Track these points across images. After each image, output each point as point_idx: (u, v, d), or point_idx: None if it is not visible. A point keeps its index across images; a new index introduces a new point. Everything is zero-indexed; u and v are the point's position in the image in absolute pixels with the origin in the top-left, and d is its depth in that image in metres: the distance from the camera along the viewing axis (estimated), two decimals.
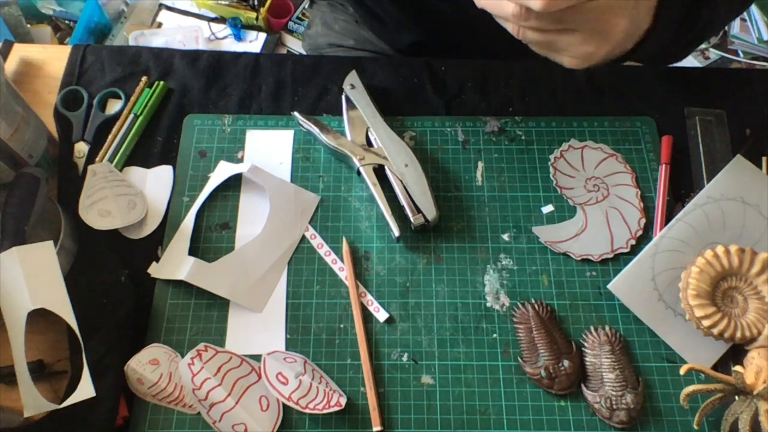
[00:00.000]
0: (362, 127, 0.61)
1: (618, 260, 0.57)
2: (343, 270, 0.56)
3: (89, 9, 1.58)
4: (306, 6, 1.72)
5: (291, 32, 1.71)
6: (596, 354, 0.52)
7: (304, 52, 0.96)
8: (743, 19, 1.68)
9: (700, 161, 0.61)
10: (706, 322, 0.50)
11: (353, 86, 0.62)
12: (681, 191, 0.60)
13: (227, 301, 0.55)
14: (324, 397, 0.50)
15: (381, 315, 0.54)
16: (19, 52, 0.68)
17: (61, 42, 1.61)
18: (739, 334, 0.50)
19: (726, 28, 1.65)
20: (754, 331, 0.50)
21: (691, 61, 1.63)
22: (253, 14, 1.63)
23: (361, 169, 0.58)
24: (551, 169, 0.61)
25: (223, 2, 1.63)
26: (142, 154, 0.62)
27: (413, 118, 0.64)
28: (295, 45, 1.70)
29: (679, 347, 0.53)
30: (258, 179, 0.59)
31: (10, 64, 0.67)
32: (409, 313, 0.55)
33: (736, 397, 0.49)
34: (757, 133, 0.62)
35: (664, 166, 0.60)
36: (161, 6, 1.70)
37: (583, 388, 0.51)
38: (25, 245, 0.48)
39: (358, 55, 0.80)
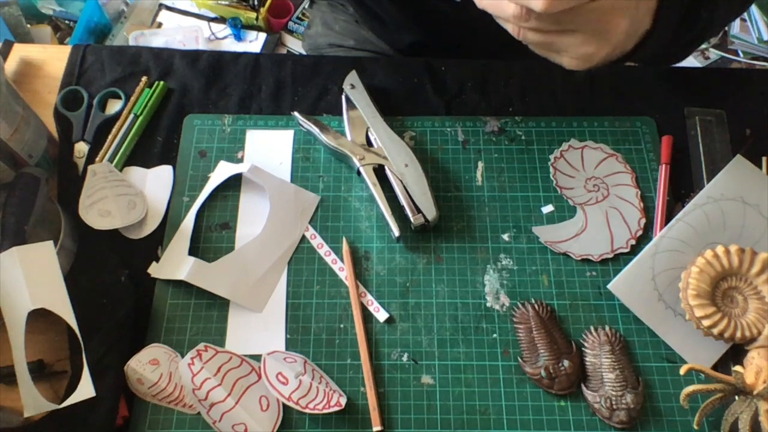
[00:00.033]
0: (362, 127, 0.61)
1: (618, 260, 0.57)
2: (343, 270, 0.56)
3: (89, 9, 1.58)
4: (306, 6, 1.72)
5: (291, 32, 1.71)
6: (596, 354, 0.52)
7: (304, 52, 0.96)
8: (743, 19, 1.68)
9: (700, 161, 0.61)
10: (706, 322, 0.50)
11: (353, 86, 0.62)
12: (681, 191, 0.60)
13: (227, 301, 0.55)
14: (324, 397, 0.50)
15: (381, 315, 0.54)
16: (19, 52, 0.68)
17: (61, 42, 1.61)
18: (739, 334, 0.50)
19: (726, 28, 1.65)
20: (754, 331, 0.50)
21: (691, 61, 1.63)
22: (253, 14, 1.63)
23: (361, 169, 0.58)
24: (551, 169, 0.61)
25: (223, 2, 1.64)
26: (142, 154, 0.62)
27: (413, 118, 0.64)
28: (295, 45, 1.70)
29: (679, 347, 0.53)
30: (258, 179, 0.59)
31: (10, 64, 0.67)
32: (409, 313, 0.55)
33: (736, 397, 0.49)
34: (757, 133, 0.62)
35: (664, 166, 0.60)
36: (161, 6, 1.70)
37: (583, 388, 0.51)
38: (25, 245, 0.48)
39: (358, 55, 0.80)
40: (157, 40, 1.58)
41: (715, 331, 0.50)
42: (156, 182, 0.60)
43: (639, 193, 0.59)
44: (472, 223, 0.59)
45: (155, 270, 0.56)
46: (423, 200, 0.57)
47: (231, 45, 1.64)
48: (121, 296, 0.53)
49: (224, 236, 0.58)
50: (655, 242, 0.55)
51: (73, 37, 1.56)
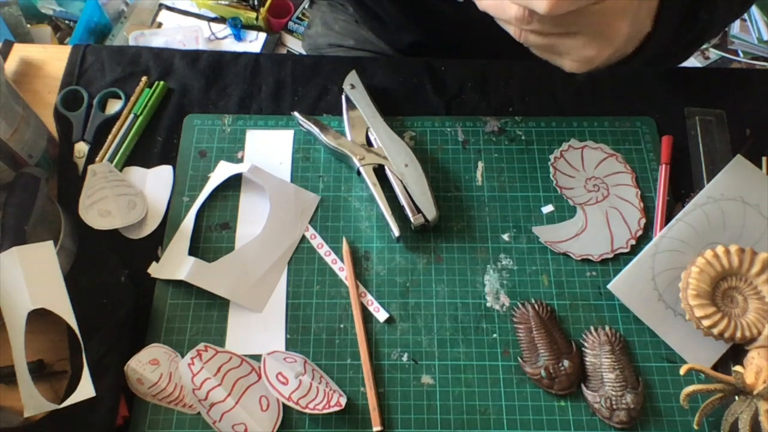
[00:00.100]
0: (362, 127, 0.61)
1: (618, 260, 0.57)
2: (343, 270, 0.56)
3: (89, 9, 1.58)
4: (306, 6, 1.72)
5: (291, 32, 1.72)
6: (596, 354, 0.52)
7: (304, 52, 0.96)
8: (743, 19, 1.68)
9: (700, 161, 0.61)
10: (706, 322, 0.50)
11: (353, 86, 0.62)
12: (681, 191, 0.60)
13: (227, 301, 0.55)
14: (324, 397, 0.50)
15: (381, 315, 0.54)
16: (19, 52, 0.68)
17: (61, 42, 1.61)
18: (739, 334, 0.50)
19: (726, 28, 1.65)
20: (754, 331, 0.50)
21: (691, 61, 1.63)
22: (253, 14, 1.63)
23: (361, 169, 0.58)
24: (551, 169, 0.61)
25: (223, 2, 1.64)
26: (142, 154, 0.62)
27: (413, 118, 0.64)
28: (295, 45, 1.70)
29: (679, 347, 0.53)
30: (258, 179, 0.59)
31: (10, 64, 0.67)
32: (409, 313, 0.55)
33: (736, 397, 0.49)
34: (757, 133, 0.62)
35: (664, 166, 0.60)
36: (161, 6, 1.70)
37: (583, 388, 0.51)
38: (25, 245, 0.48)
39: (358, 55, 0.80)
40: (157, 40, 1.58)
41: (715, 331, 0.50)
42: (156, 182, 0.60)
43: (639, 193, 0.59)
44: (472, 223, 0.59)
45: (155, 270, 0.56)
46: (423, 200, 0.57)
47: (231, 45, 1.64)
48: (121, 296, 0.53)
49: (224, 236, 0.58)
50: (655, 242, 0.55)
51: (73, 37, 1.56)
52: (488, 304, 0.55)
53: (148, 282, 0.55)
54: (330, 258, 0.57)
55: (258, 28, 1.67)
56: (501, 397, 0.51)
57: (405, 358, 0.53)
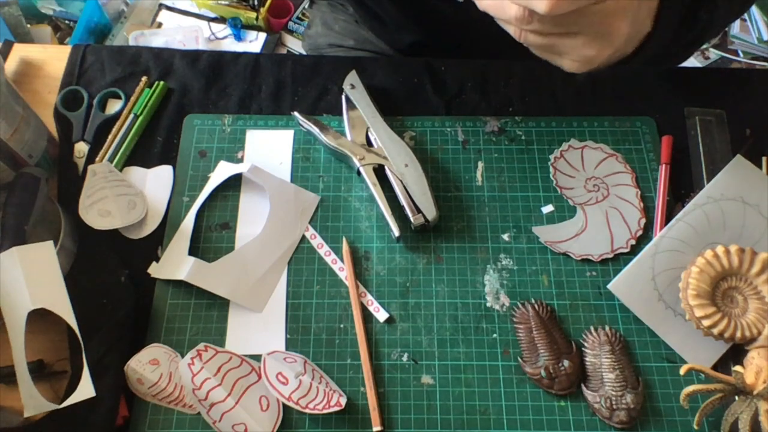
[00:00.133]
0: (362, 127, 0.61)
1: (618, 260, 0.57)
2: (343, 270, 0.56)
3: (89, 9, 1.58)
4: (306, 6, 1.72)
5: (291, 32, 1.72)
6: (596, 354, 0.52)
7: (304, 52, 0.96)
8: (743, 19, 1.68)
9: (700, 161, 0.61)
10: (706, 322, 0.50)
11: (353, 86, 0.62)
12: (681, 191, 0.60)
13: (227, 301, 0.55)
14: (324, 397, 0.50)
15: (381, 315, 0.54)
16: (19, 52, 0.68)
17: (61, 42, 1.61)
18: (739, 334, 0.50)
19: (726, 28, 1.65)
20: (754, 331, 0.50)
21: (691, 61, 1.63)
22: (253, 14, 1.64)
23: (361, 169, 0.58)
24: (551, 169, 0.61)
25: (223, 2, 1.64)
26: (142, 154, 0.62)
27: (413, 118, 0.64)
28: (295, 45, 1.70)
29: (679, 347, 0.53)
30: (258, 179, 0.59)
31: (10, 64, 0.67)
32: (409, 313, 0.55)
33: (736, 397, 0.49)
34: (757, 133, 0.62)
35: (664, 166, 0.60)
36: (161, 6, 1.70)
37: (583, 388, 0.51)
38: (25, 245, 0.48)
39: (358, 55, 0.80)
40: (157, 40, 1.58)
41: (715, 331, 0.50)
42: (156, 182, 0.60)
43: (639, 193, 0.59)
44: (472, 223, 0.59)
45: (155, 270, 0.56)
46: (423, 200, 0.57)
47: (231, 45, 1.64)
48: (121, 296, 0.53)
49: (224, 236, 0.58)
50: (655, 242, 0.55)
51: (73, 37, 1.56)
52: (488, 304, 0.55)
53: (148, 282, 0.55)
54: (330, 258, 0.57)
55: (258, 28, 1.67)
56: (501, 397, 0.51)
57: (405, 358, 0.53)
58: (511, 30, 0.43)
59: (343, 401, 0.50)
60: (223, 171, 0.60)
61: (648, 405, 0.51)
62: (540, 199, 0.60)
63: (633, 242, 0.57)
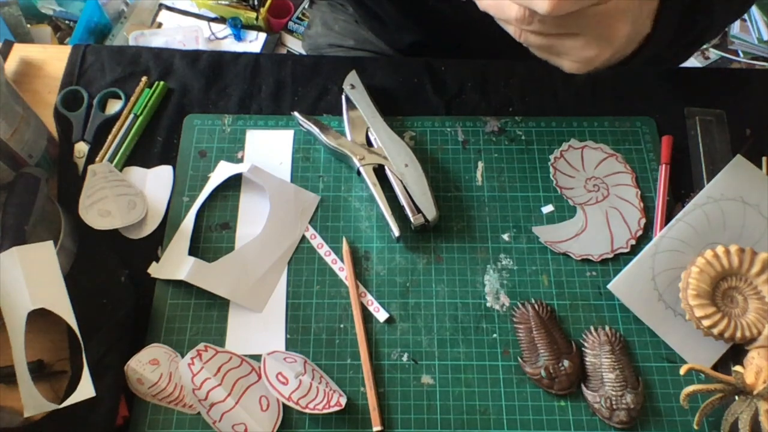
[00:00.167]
0: (362, 127, 0.61)
1: (618, 260, 0.57)
2: (343, 270, 0.56)
3: (89, 9, 1.58)
4: (306, 6, 1.72)
5: (291, 32, 1.72)
6: (596, 354, 0.52)
7: (304, 52, 0.96)
8: (743, 19, 1.68)
9: (700, 161, 0.61)
10: (706, 322, 0.50)
11: (353, 86, 0.62)
12: (681, 191, 0.60)
13: (227, 301, 0.55)
14: (324, 397, 0.50)
15: (381, 315, 0.54)
16: (19, 52, 0.68)
17: (61, 42, 1.61)
18: (739, 334, 0.50)
19: (726, 28, 1.65)
20: (754, 331, 0.50)
21: (691, 61, 1.63)
22: (253, 14, 1.64)
23: (361, 169, 0.58)
24: (551, 169, 0.61)
25: (223, 2, 1.64)
26: (142, 154, 0.62)
27: (413, 118, 0.64)
28: (295, 45, 1.70)
29: (679, 347, 0.53)
30: (258, 179, 0.59)
31: (10, 64, 0.67)
32: (409, 313, 0.55)
33: (736, 397, 0.49)
34: (757, 133, 0.62)
35: (664, 166, 0.60)
36: (161, 6, 1.70)
37: (583, 388, 0.51)
38: (25, 245, 0.48)
39: (358, 55, 0.80)
40: (157, 40, 1.58)
41: (715, 331, 0.50)
42: (156, 182, 0.60)
43: (639, 193, 0.60)
44: (472, 223, 0.59)
45: (155, 270, 0.56)
46: (423, 200, 0.57)
47: (231, 45, 1.64)
48: (121, 296, 0.53)
49: (224, 236, 0.58)
50: (655, 242, 0.55)
51: (73, 37, 1.56)
52: (488, 304, 0.55)
53: (148, 282, 0.55)
54: (330, 258, 0.57)
55: (258, 28, 1.67)
56: (501, 397, 0.51)
57: (405, 358, 0.53)
58: (511, 30, 0.43)
59: (343, 401, 0.50)
60: (223, 171, 0.60)
61: (648, 405, 0.51)
62: (540, 199, 0.60)
63: (633, 242, 0.57)
